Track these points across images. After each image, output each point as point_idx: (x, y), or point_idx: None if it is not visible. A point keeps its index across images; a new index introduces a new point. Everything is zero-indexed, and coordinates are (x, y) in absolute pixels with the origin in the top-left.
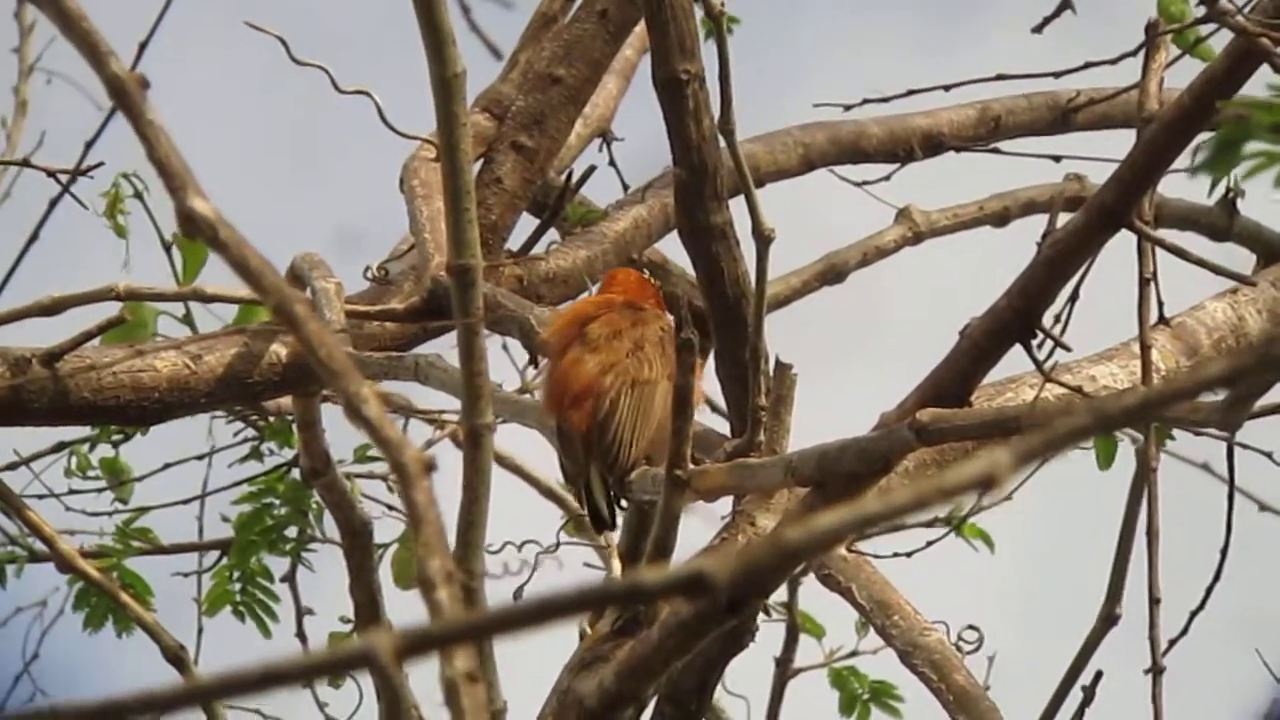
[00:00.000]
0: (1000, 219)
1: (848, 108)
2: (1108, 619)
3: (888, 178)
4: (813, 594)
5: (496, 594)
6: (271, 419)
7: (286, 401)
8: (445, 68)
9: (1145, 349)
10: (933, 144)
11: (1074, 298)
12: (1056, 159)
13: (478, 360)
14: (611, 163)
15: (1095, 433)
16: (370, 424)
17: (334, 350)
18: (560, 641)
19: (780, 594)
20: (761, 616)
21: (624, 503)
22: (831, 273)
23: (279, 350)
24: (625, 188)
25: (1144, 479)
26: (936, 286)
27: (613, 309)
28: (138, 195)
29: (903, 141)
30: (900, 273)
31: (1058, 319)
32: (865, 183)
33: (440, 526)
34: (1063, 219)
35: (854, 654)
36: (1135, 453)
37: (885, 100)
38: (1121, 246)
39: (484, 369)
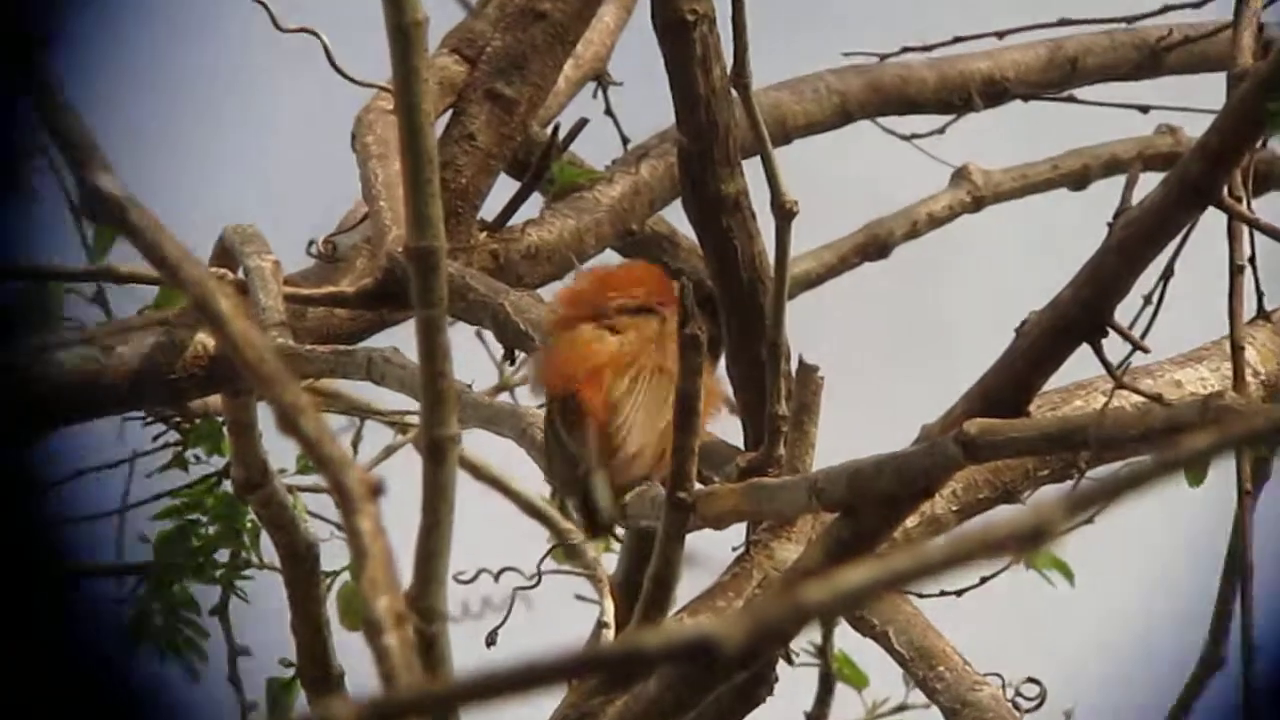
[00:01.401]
0: (1078, 180)
1: (884, 57)
2: (1209, 664)
3: (941, 131)
4: (852, 634)
5: (470, 634)
6: (198, 421)
7: (216, 401)
8: (403, 13)
9: (1238, 349)
10: (995, 90)
11: (1166, 278)
12: (1145, 109)
13: (440, 359)
14: (608, 112)
15: (1162, 477)
16: (307, 440)
17: (264, 353)
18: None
19: (812, 633)
20: (783, 664)
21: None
22: (872, 246)
23: (206, 340)
24: (625, 143)
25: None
26: (999, 264)
27: (639, 286)
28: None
29: (959, 88)
30: (956, 247)
31: (1147, 301)
32: (914, 136)
33: (389, 559)
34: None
35: (902, 708)
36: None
37: (928, 49)
38: (1211, 226)
39: (448, 369)
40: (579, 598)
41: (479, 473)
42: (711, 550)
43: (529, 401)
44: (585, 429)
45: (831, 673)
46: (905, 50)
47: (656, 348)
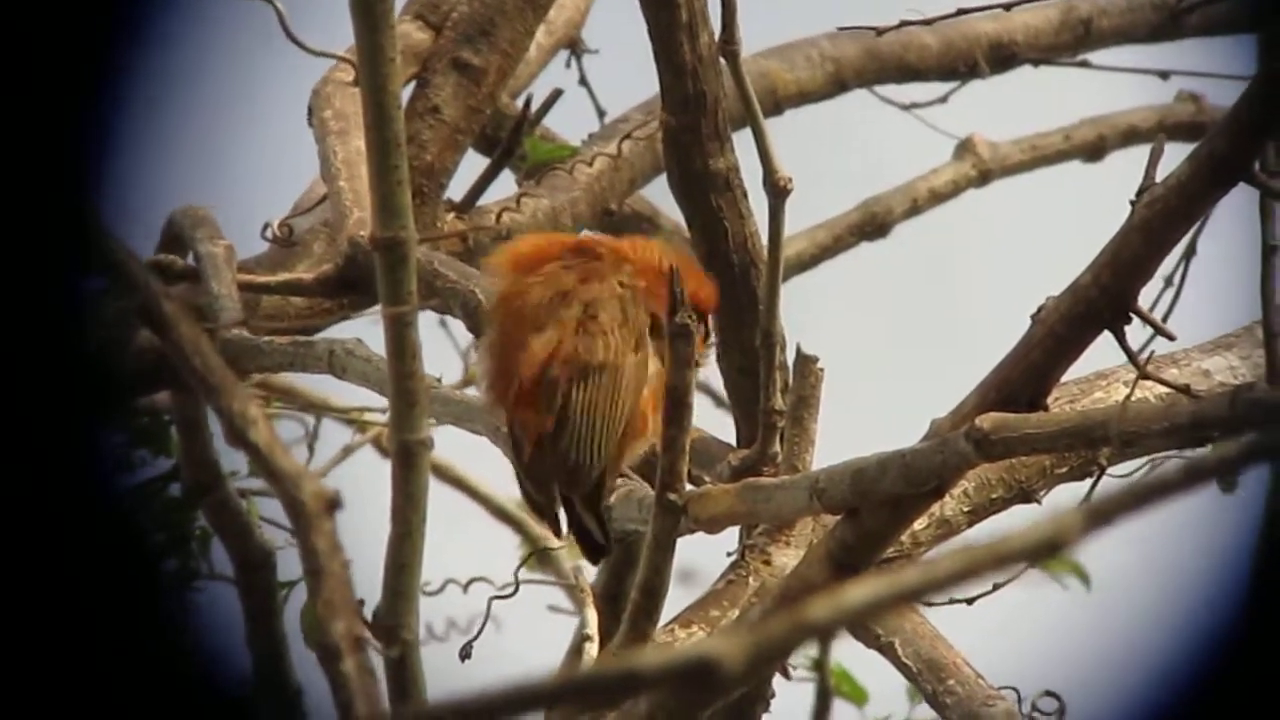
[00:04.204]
0: (1093, 152)
1: (880, 31)
2: None
3: (944, 100)
4: (852, 646)
5: (434, 649)
6: (144, 419)
7: (164, 398)
8: None
9: (1271, 336)
10: (1003, 56)
11: (1188, 257)
12: (1165, 75)
13: (410, 357)
14: (583, 83)
15: (1190, 485)
16: (258, 451)
17: (211, 358)
18: None
19: (809, 646)
20: (779, 678)
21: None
22: (870, 225)
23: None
24: (601, 116)
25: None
26: (1008, 243)
27: (561, 255)
28: None
29: (963, 53)
30: (961, 225)
31: (1168, 283)
32: (915, 106)
33: (346, 579)
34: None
35: None
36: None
37: (929, 22)
38: (1240, 204)
39: (418, 368)
40: (552, 609)
41: (442, 473)
42: (704, 556)
43: None
44: (537, 458)
45: (829, 689)
46: (905, 24)
47: (583, 338)
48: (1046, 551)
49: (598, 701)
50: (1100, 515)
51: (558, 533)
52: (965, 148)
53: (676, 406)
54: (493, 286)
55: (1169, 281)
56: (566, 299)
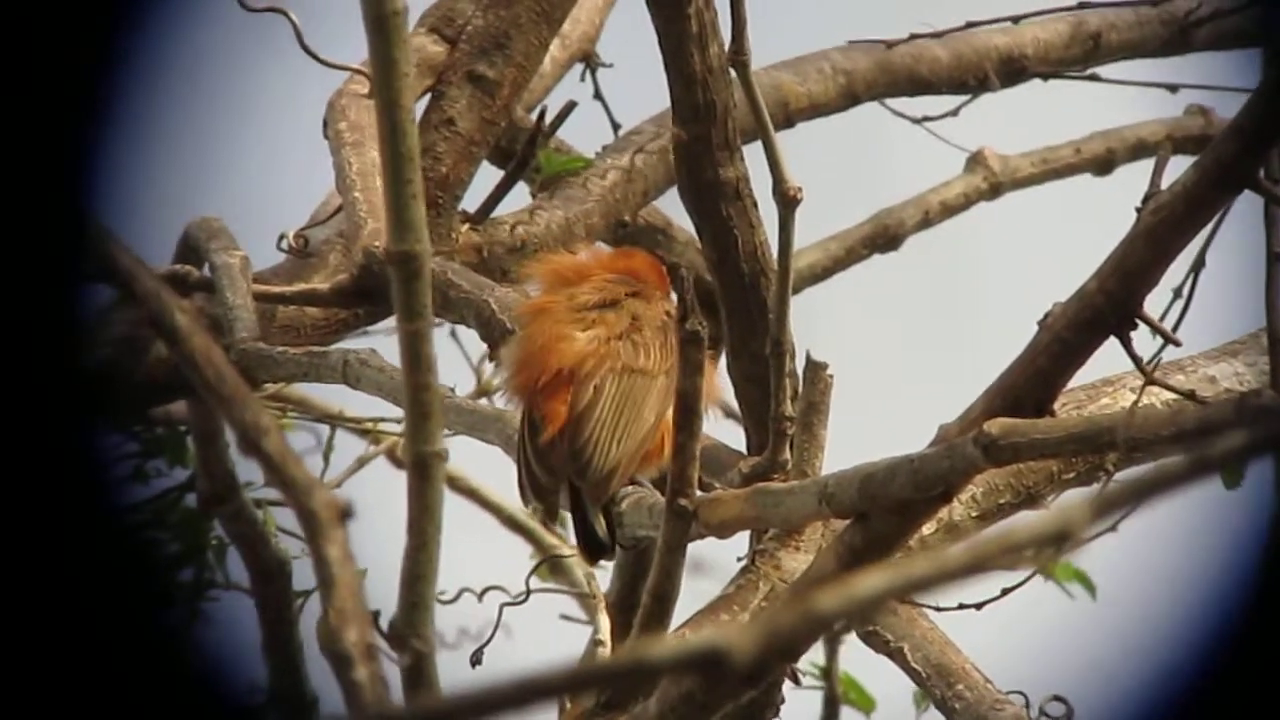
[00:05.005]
0: (1102, 165)
1: (891, 44)
2: None
3: (955, 113)
4: (859, 653)
5: (448, 659)
6: (160, 430)
7: (180, 408)
8: (382, 1)
9: (1276, 342)
10: (1013, 69)
11: (1197, 270)
12: (1173, 88)
13: (425, 370)
14: (597, 96)
15: (1193, 479)
16: (271, 461)
17: (223, 369)
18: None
19: (816, 653)
20: (789, 685)
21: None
22: (882, 237)
23: None
24: (615, 128)
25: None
26: (1018, 255)
27: (612, 271)
28: None
29: (974, 67)
30: (972, 237)
31: (1177, 295)
32: (926, 119)
33: (357, 588)
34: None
35: None
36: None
37: (938, 35)
38: (1246, 211)
39: (432, 380)
40: (565, 618)
41: (455, 484)
42: (715, 561)
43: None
44: (552, 445)
45: (837, 696)
46: (914, 37)
47: (626, 343)
48: (1054, 542)
49: (607, 703)
50: (1107, 507)
51: (554, 517)
52: (976, 160)
53: (686, 413)
54: (529, 290)
55: (1178, 293)
56: (617, 306)
